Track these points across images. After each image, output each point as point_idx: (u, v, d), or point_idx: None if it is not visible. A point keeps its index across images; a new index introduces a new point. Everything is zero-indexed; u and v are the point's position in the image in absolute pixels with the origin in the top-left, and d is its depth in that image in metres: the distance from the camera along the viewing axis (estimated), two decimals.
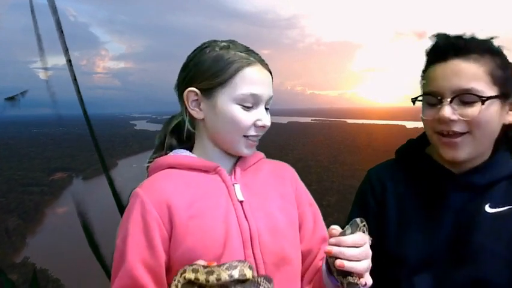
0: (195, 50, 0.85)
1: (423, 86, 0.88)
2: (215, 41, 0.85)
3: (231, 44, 0.84)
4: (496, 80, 0.80)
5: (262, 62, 0.84)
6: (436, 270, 0.84)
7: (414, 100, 0.88)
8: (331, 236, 0.70)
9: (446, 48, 0.83)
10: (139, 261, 0.73)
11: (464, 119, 0.79)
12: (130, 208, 0.78)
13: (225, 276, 0.62)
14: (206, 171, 0.84)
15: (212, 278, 0.62)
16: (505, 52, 0.85)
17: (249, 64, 0.81)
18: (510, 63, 0.84)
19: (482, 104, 0.78)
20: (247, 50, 0.84)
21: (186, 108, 0.84)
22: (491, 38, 0.84)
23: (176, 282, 0.65)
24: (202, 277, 0.63)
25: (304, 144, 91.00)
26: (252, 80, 0.81)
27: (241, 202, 0.82)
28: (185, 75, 0.84)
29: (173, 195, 0.79)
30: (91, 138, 1.51)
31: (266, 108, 0.86)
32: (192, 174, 0.84)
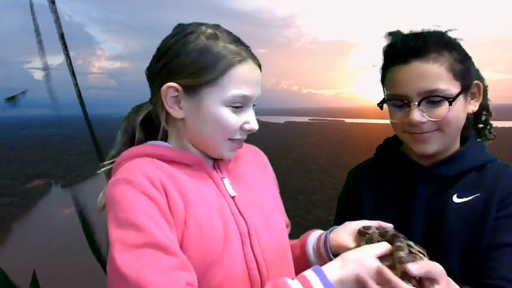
0: (175, 35, 0.71)
1: (387, 88, 0.88)
2: (200, 26, 0.71)
3: (218, 31, 0.71)
4: (456, 75, 0.82)
5: (253, 57, 0.72)
6: None
7: (381, 105, 0.90)
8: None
9: (405, 50, 0.83)
10: (168, 238, 0.60)
11: (433, 119, 0.82)
12: (118, 197, 0.62)
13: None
14: (188, 165, 0.73)
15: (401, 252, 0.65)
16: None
17: (240, 61, 0.69)
18: (467, 54, 0.85)
19: (450, 104, 0.80)
20: (237, 42, 0.71)
21: (162, 104, 0.71)
22: (447, 31, 0.85)
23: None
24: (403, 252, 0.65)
25: (303, 145, 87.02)
26: (243, 80, 0.70)
27: (233, 197, 0.74)
28: (163, 66, 0.71)
29: (167, 183, 0.66)
30: (92, 139, 1.43)
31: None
32: (174, 167, 0.71)
